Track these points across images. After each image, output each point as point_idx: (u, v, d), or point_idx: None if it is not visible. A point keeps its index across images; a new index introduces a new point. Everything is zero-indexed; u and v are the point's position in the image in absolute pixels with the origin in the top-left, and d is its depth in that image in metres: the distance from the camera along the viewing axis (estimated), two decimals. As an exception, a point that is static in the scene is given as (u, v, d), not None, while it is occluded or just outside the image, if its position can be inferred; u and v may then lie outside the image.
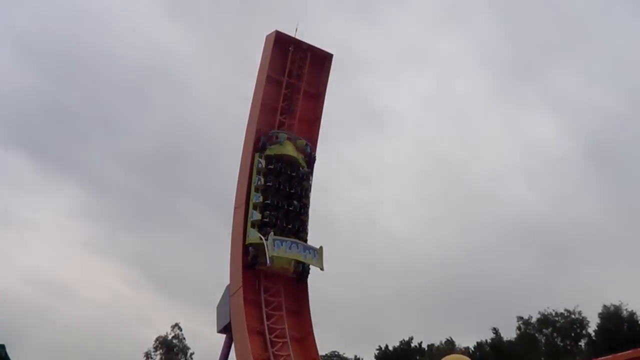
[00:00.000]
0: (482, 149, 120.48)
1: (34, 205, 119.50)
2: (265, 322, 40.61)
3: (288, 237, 42.15)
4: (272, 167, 43.67)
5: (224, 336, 43.28)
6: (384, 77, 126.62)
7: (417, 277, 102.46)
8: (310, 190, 45.08)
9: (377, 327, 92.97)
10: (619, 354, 18.53)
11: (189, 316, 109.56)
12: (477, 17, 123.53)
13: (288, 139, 44.73)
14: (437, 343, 72.39)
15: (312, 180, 45.47)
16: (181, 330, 77.39)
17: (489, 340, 69.58)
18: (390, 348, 74.77)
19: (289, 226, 43.09)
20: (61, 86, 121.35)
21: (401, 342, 75.05)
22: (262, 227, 42.03)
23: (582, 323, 66.93)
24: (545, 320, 67.83)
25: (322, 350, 42.17)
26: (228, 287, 42.58)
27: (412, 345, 74.84)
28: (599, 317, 64.28)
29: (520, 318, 68.75)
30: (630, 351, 17.61)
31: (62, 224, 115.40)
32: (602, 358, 17.70)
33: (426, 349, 73.34)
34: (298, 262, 42.65)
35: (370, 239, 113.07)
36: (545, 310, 68.10)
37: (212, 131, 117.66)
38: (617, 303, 63.79)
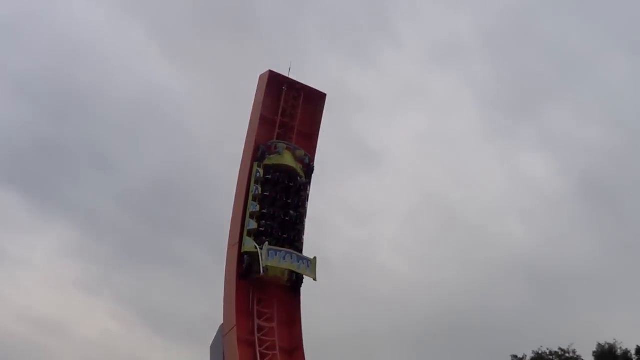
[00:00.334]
0: (476, 187, 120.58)
1: (27, 244, 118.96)
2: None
3: (283, 246, 42.79)
4: (270, 177, 44.30)
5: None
6: (378, 115, 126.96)
7: (412, 315, 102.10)
8: (307, 200, 45.75)
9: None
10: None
11: (182, 355, 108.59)
12: (472, 56, 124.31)
13: (287, 148, 45.29)
14: (431, 382, 72.23)
15: (309, 190, 46.14)
16: (175, 369, 77.09)
17: (483, 380, 69.42)
18: (384, 387, 74.56)
19: (285, 236, 43.77)
20: (55, 124, 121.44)
21: (395, 381, 74.85)
22: (258, 236, 42.69)
23: (576, 362, 66.82)
24: (540, 359, 67.70)
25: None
26: (222, 327, 42.52)
27: (407, 384, 74.67)
28: (593, 355, 64.20)
29: (514, 357, 68.58)
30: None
31: (56, 262, 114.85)
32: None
33: (420, 387, 73.17)
34: (291, 272, 43.10)
35: (365, 277, 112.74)
36: (539, 348, 68.01)
37: (206, 169, 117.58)
38: (611, 341, 63.82)
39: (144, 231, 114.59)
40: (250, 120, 46.15)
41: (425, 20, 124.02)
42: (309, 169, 46.13)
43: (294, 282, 43.53)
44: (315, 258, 43.27)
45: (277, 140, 45.64)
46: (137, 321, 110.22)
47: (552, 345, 67.76)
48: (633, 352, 62.59)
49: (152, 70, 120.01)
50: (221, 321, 42.70)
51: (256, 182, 43.88)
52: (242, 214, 43.25)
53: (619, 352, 63.39)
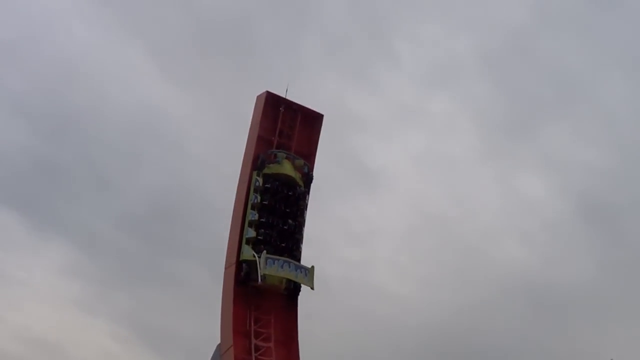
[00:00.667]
0: (474, 207, 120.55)
1: (25, 263, 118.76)
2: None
3: (282, 255, 43.07)
4: (269, 186, 44.59)
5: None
6: (376, 135, 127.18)
7: (409, 335, 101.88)
8: (306, 210, 46.09)
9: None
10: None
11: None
12: (470, 76, 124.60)
13: (287, 158, 45.64)
14: (429, 403, 72.00)
15: (308, 199, 46.43)
16: (172, 389, 77.00)
17: (481, 401, 69.29)
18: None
19: (283, 244, 44.12)
20: (54, 145, 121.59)
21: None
22: (256, 244, 42.99)
23: (574, 383, 66.80)
24: (538, 380, 67.69)
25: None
26: (219, 346, 42.56)
27: (404, 405, 74.44)
28: (591, 376, 64.27)
29: (512, 378, 68.63)
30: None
31: (54, 282, 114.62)
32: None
33: (418, 409, 72.95)
34: (289, 281, 43.43)
35: (362, 296, 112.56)
36: (536, 369, 68.07)
37: (204, 190, 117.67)
38: (611, 362, 63.80)
39: (143, 251, 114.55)
40: (248, 141, 46.38)
41: (424, 41, 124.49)
42: (308, 178, 46.49)
43: (292, 291, 43.85)
44: (312, 267, 43.62)
45: (277, 150, 45.92)
46: (135, 341, 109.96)
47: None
48: (631, 373, 62.62)
49: (151, 91, 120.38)
50: (218, 341, 42.73)
51: (255, 190, 44.25)
52: (240, 224, 43.48)
53: (617, 373, 63.37)
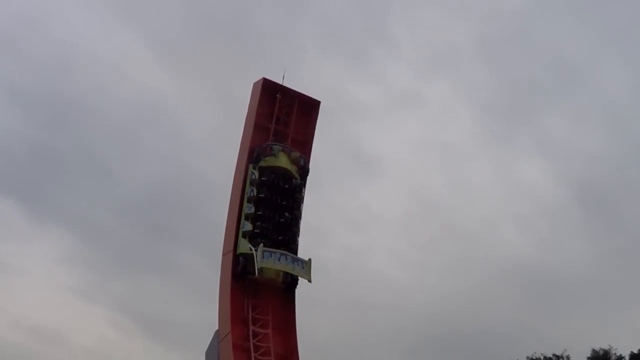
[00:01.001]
0: (472, 194, 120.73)
1: (23, 251, 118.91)
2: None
3: (278, 248, 43.11)
4: (265, 179, 44.48)
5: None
6: (374, 122, 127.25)
7: (407, 320, 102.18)
8: (302, 202, 45.99)
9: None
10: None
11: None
12: (469, 63, 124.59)
13: (282, 150, 45.52)
14: (426, 388, 72.36)
15: (304, 191, 46.33)
16: (170, 376, 77.33)
17: (478, 386, 69.56)
18: (380, 393, 74.70)
19: (280, 237, 44.09)
20: (51, 132, 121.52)
21: (391, 387, 74.98)
22: (253, 237, 43.00)
23: (570, 367, 66.99)
24: (534, 365, 67.86)
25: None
26: (217, 333, 42.68)
27: (402, 390, 74.83)
28: (587, 361, 64.42)
29: (509, 363, 68.78)
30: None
31: (52, 270, 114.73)
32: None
33: (416, 394, 73.31)
34: (286, 273, 43.38)
35: (360, 282, 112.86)
36: (533, 354, 68.16)
37: (202, 176, 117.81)
38: (606, 347, 63.98)
39: (140, 239, 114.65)
40: (244, 128, 46.36)
41: (423, 27, 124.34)
42: (304, 171, 46.40)
43: (289, 284, 43.90)
44: (309, 260, 43.62)
45: (273, 142, 45.84)
46: (133, 328, 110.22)
47: (546, 351, 67.94)
48: (627, 358, 62.78)
49: (148, 79, 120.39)
50: (216, 327, 42.87)
51: (251, 184, 44.20)
52: (237, 216, 43.53)
53: (613, 358, 63.54)
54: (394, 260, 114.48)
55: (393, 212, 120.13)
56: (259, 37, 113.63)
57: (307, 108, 48.01)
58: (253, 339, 41.92)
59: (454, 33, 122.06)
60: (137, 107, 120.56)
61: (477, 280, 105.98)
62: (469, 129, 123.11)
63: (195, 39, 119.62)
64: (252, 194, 43.93)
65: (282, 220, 44.38)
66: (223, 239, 44.54)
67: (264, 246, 42.15)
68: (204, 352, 43.95)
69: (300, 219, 45.59)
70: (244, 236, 42.96)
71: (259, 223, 43.62)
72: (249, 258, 41.99)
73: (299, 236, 45.11)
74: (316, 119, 48.06)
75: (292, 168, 45.57)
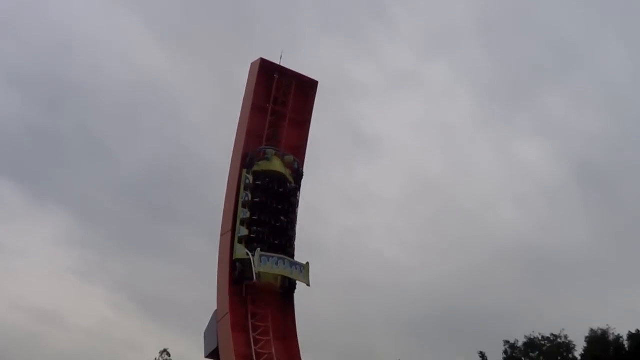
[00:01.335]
0: (471, 174, 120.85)
1: (22, 233, 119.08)
2: (253, 347, 40.83)
3: (275, 252, 42.58)
4: (259, 183, 44.03)
5: (211, 361, 43.42)
6: (373, 102, 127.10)
7: (406, 300, 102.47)
8: (297, 206, 45.45)
9: (365, 350, 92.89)
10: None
11: (177, 342, 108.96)
12: (468, 42, 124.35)
13: (276, 154, 45.16)
14: (424, 367, 72.67)
15: (299, 195, 45.87)
16: (170, 356, 77.32)
17: (476, 365, 69.68)
18: (378, 372, 75.02)
19: (276, 242, 43.51)
20: (49, 114, 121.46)
21: (389, 366, 75.20)
22: (249, 242, 42.43)
23: (568, 347, 67.22)
24: (532, 345, 68.08)
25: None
26: (215, 313, 42.75)
27: (400, 369, 74.97)
28: (585, 341, 64.58)
29: (506, 342, 68.98)
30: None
31: (51, 251, 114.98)
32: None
33: (414, 373, 73.60)
34: (285, 278, 42.91)
35: (360, 262, 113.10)
36: (531, 334, 68.42)
37: (201, 157, 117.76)
38: (604, 327, 64.17)
39: (139, 219, 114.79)
40: (242, 108, 46.24)
41: (423, 7, 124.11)
42: (298, 175, 45.86)
43: (287, 289, 43.35)
44: (307, 263, 43.03)
45: (266, 147, 45.38)
46: (132, 308, 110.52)
47: (544, 330, 68.20)
48: (625, 337, 62.94)
49: (147, 60, 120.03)
50: (215, 307, 42.97)
51: (245, 188, 43.53)
52: (232, 222, 43.01)
53: (611, 338, 63.73)
54: (393, 240, 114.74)
55: (392, 192, 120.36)
56: (257, 18, 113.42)
57: (305, 88, 47.85)
58: (252, 319, 41.96)
59: (454, 13, 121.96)
60: (136, 89, 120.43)
61: (476, 260, 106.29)
62: (468, 109, 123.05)
63: (194, 20, 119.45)
64: (246, 199, 43.38)
65: (278, 224, 43.74)
66: (221, 220, 44.50)
67: (261, 251, 41.61)
68: (203, 332, 44.09)
69: (296, 222, 45.04)
70: (240, 241, 42.31)
71: (254, 228, 43.00)
72: (246, 263, 41.42)
73: (295, 240, 44.55)
74: (314, 99, 47.90)
75: (286, 172, 45.07)
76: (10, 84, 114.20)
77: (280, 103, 46.98)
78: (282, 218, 44.05)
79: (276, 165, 44.76)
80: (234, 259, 42.02)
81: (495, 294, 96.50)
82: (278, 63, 46.92)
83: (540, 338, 67.96)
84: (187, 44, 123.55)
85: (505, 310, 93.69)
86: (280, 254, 42.71)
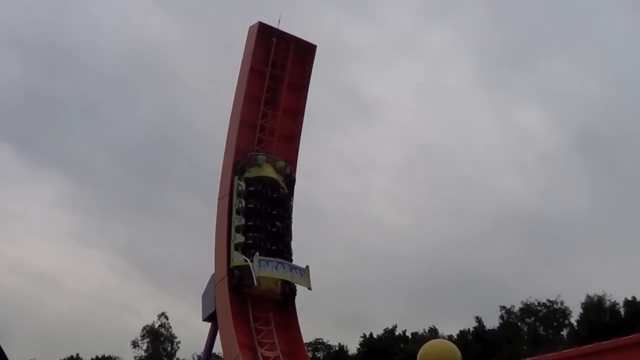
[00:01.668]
0: (471, 139, 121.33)
1: (20, 197, 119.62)
2: (251, 312, 40.98)
3: (274, 257, 41.74)
4: (252, 189, 43.31)
5: (209, 324, 43.62)
6: (372, 67, 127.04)
7: (403, 265, 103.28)
8: (292, 212, 44.87)
9: (362, 315, 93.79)
10: (601, 343, 18.97)
11: (175, 305, 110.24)
12: (468, 7, 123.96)
13: (267, 161, 44.47)
14: (420, 331, 73.04)
15: (293, 201, 45.20)
16: (167, 319, 78.19)
17: (472, 329, 70.27)
18: (375, 336, 75.37)
19: (274, 247, 42.49)
20: (47, 78, 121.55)
21: (385, 330, 75.66)
22: (246, 249, 41.48)
23: (564, 313, 67.76)
24: (528, 310, 68.64)
25: (307, 339, 42.47)
26: (213, 276, 42.83)
27: (396, 333, 75.48)
28: (581, 307, 65.05)
29: (502, 307, 69.52)
30: (612, 341, 18.03)
31: (49, 215, 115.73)
32: (584, 347, 18.05)
33: (410, 337, 73.95)
34: (285, 283, 42.20)
35: (358, 227, 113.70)
36: (527, 300, 68.92)
37: (198, 120, 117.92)
38: (600, 293, 64.59)
39: (138, 183, 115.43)
40: (240, 72, 46.04)
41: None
42: (290, 181, 45.07)
43: (287, 295, 42.57)
44: (307, 267, 42.23)
45: (257, 153, 44.73)
46: (131, 272, 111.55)
47: (541, 297, 68.68)
48: (621, 304, 63.38)
49: (145, 23, 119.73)
50: (213, 270, 43.06)
51: (238, 195, 42.65)
52: (227, 230, 42.39)
53: (607, 304, 64.19)
54: (392, 206, 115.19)
55: (391, 157, 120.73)
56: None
57: (303, 52, 47.55)
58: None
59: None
60: (134, 53, 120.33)
61: (475, 226, 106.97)
62: (468, 74, 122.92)
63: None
64: (240, 206, 42.38)
65: (274, 229, 42.87)
66: (219, 183, 44.44)
67: (259, 256, 40.81)
68: (201, 295, 44.26)
69: (292, 228, 44.31)
70: (236, 249, 41.39)
71: (250, 234, 41.95)
72: (244, 270, 40.53)
73: (291, 246, 43.77)
74: (312, 63, 47.64)
75: (279, 178, 44.55)
76: (9, 48, 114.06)
77: (278, 67, 46.70)
78: (278, 223, 43.33)
79: (268, 171, 44.03)
80: (231, 267, 41.19)
81: (492, 259, 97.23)
82: (276, 27, 46.60)
83: (536, 304, 68.55)
84: (185, 8, 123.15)
85: (502, 275, 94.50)
86: (279, 258, 41.95)
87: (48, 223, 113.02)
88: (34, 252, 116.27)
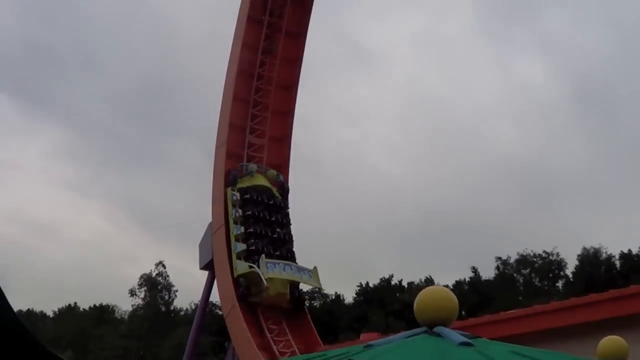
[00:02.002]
0: (469, 89, 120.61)
1: (16, 146, 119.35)
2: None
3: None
4: (248, 196, 42.36)
5: (206, 273, 43.69)
6: (371, 15, 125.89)
7: (400, 214, 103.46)
8: (290, 220, 44.09)
9: (359, 264, 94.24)
10: (596, 294, 18.99)
11: (173, 254, 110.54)
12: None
13: (258, 170, 43.52)
14: (416, 281, 73.39)
15: (288, 211, 44.49)
16: (165, 268, 78.40)
17: (467, 279, 70.70)
18: (371, 285, 75.84)
19: (277, 253, 41.02)
20: (44, 26, 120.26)
21: (381, 279, 76.06)
22: (249, 256, 39.58)
23: (560, 264, 68.13)
24: (524, 261, 68.97)
25: (303, 287, 42.50)
26: (210, 225, 42.77)
27: (392, 282, 75.91)
28: (577, 259, 65.36)
29: (498, 258, 69.86)
30: (607, 292, 18.07)
31: (46, 165, 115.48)
32: (579, 298, 18.09)
33: (406, 286, 74.36)
34: (293, 287, 41.47)
35: (355, 176, 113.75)
36: (524, 251, 69.20)
37: (196, 68, 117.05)
38: (597, 246, 64.88)
39: (135, 132, 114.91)
40: (237, 21, 45.52)
41: None
42: (284, 190, 44.13)
43: (296, 300, 40.25)
44: (315, 268, 41.54)
45: (247, 163, 43.81)
46: (128, 220, 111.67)
47: (537, 248, 68.95)
48: (617, 256, 63.71)
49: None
50: (210, 220, 43.06)
51: (234, 205, 41.81)
52: (226, 242, 41.46)
53: (603, 257, 64.52)
54: (389, 154, 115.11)
55: (389, 106, 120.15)
56: None
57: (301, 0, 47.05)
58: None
59: None
60: (130, 1, 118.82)
61: (472, 175, 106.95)
62: (468, 23, 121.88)
63: None
64: (237, 215, 41.46)
65: (275, 236, 42.18)
66: (216, 132, 44.21)
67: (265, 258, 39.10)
68: (198, 244, 44.30)
69: (292, 234, 43.72)
70: (238, 257, 39.51)
71: (252, 240, 41.21)
72: (250, 277, 38.68)
73: (294, 252, 42.82)
74: (310, 10, 46.99)
75: (272, 187, 43.81)
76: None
77: (276, 15, 46.11)
78: (279, 230, 42.46)
79: (261, 180, 43.05)
80: (235, 276, 40.55)
81: (489, 210, 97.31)
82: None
83: (532, 255, 68.85)
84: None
85: (499, 226, 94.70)
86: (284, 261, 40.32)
87: (44, 172, 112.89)
88: (29, 201, 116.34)
